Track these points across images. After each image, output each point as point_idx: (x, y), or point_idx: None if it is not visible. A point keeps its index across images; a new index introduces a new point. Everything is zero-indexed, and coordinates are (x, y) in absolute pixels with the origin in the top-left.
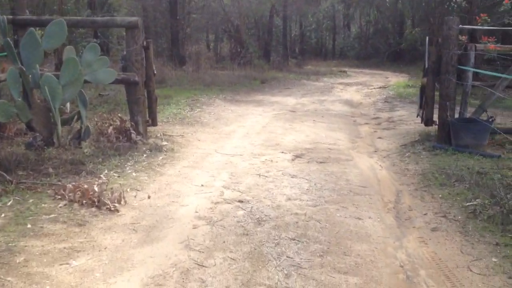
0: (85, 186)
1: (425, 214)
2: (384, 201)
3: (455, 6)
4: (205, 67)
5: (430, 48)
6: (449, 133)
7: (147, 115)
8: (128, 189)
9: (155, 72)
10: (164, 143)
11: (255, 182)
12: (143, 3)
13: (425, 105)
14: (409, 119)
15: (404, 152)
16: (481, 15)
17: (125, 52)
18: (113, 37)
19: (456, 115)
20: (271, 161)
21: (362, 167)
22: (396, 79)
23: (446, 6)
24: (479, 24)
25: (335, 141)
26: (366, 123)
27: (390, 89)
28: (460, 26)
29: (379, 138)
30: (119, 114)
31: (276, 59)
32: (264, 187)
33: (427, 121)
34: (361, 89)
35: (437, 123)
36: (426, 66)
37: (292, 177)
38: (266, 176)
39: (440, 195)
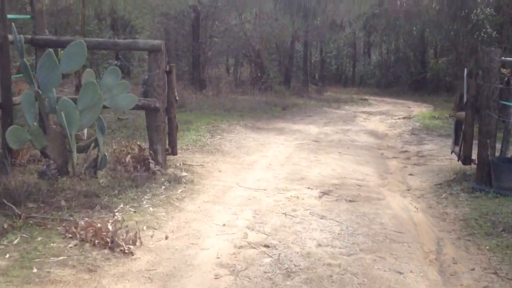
0: (99, 225)
1: (472, 269)
2: (425, 251)
3: (485, 36)
4: (225, 91)
5: (469, 80)
6: (489, 173)
7: (167, 143)
8: (145, 227)
9: (177, 98)
10: (184, 173)
11: (281, 223)
12: (166, 26)
13: (462, 142)
14: (440, 155)
15: (440, 193)
16: None
17: (146, 77)
18: (134, 59)
19: (497, 154)
20: (297, 197)
21: (395, 208)
22: (419, 109)
23: (475, 36)
24: None
25: (363, 176)
26: (395, 157)
27: (415, 120)
28: (503, 58)
29: (411, 174)
30: (138, 142)
31: (296, 85)
32: (291, 229)
33: (465, 160)
34: (385, 119)
35: (476, 162)
36: (465, 100)
37: (321, 218)
38: (293, 216)
39: (487, 247)
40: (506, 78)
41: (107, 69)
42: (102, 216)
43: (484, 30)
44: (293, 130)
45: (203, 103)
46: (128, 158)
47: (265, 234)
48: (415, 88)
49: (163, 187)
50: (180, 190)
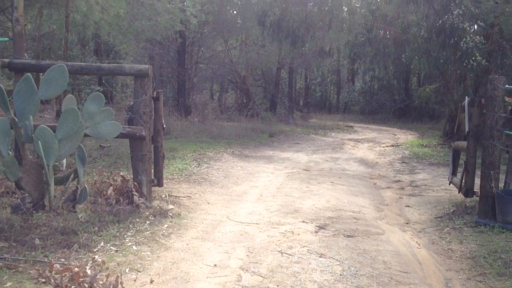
0: (76, 268)
1: None
2: None
3: (474, 64)
4: (211, 117)
5: (471, 109)
6: (493, 206)
7: (152, 173)
8: (127, 270)
9: (164, 125)
10: (170, 206)
11: (277, 263)
12: (151, 51)
13: (464, 173)
14: (435, 185)
15: (442, 227)
16: None
17: (132, 103)
18: (117, 84)
19: (500, 186)
20: (292, 233)
21: (396, 244)
22: (404, 137)
23: (464, 64)
24: None
25: (359, 208)
26: (388, 187)
27: (404, 148)
28: (507, 86)
29: (407, 206)
30: (121, 172)
31: (282, 112)
32: (289, 270)
33: (467, 192)
34: (373, 146)
35: (479, 194)
36: (467, 129)
37: (320, 257)
38: (290, 254)
39: None
40: (510, 107)
41: (89, 95)
42: (80, 256)
43: (473, 58)
44: (282, 158)
45: (189, 130)
46: (110, 190)
47: (261, 276)
48: (399, 115)
49: (147, 221)
50: (166, 225)
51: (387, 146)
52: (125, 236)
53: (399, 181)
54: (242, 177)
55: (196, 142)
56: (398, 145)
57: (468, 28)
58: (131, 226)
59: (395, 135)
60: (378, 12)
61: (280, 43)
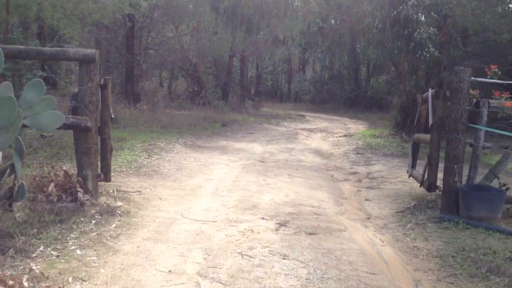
0: (10, 281)
1: None
2: None
3: (428, 55)
4: (161, 105)
5: (436, 102)
6: (456, 201)
7: (99, 168)
8: (70, 279)
9: (112, 115)
10: (119, 203)
11: (238, 267)
12: (97, 36)
13: (427, 167)
14: (391, 177)
15: (405, 223)
16: (491, 66)
17: (76, 90)
18: (61, 69)
19: (463, 181)
20: (252, 231)
21: (360, 242)
22: (355, 126)
23: (417, 55)
24: (488, 76)
25: (319, 202)
26: (346, 179)
27: (357, 138)
28: (472, 78)
29: (367, 200)
30: (64, 166)
31: (234, 100)
32: (251, 275)
33: (430, 186)
34: (326, 136)
35: (441, 189)
36: (430, 122)
37: (283, 258)
38: (251, 257)
39: None
40: (474, 100)
41: (28, 82)
42: (16, 264)
43: (426, 49)
44: (236, 149)
45: (138, 119)
46: (51, 187)
47: (221, 283)
48: (348, 105)
49: (93, 221)
50: (114, 225)
51: (340, 136)
52: (68, 238)
53: (355, 172)
54: (195, 169)
55: (146, 131)
56: (350, 135)
57: (422, 19)
58: (74, 226)
59: (346, 124)
60: (333, 1)
61: (235, 30)
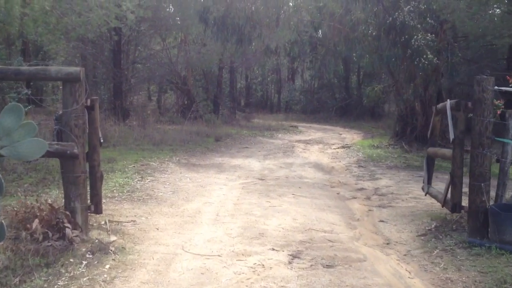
0: None
1: None
2: None
3: (426, 62)
4: (151, 121)
5: (457, 114)
6: (484, 223)
7: (89, 198)
8: None
9: (101, 140)
10: (112, 238)
11: None
12: (83, 51)
13: (450, 186)
14: (402, 192)
15: (430, 249)
16: None
17: (60, 112)
18: (47, 86)
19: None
20: (263, 266)
21: (385, 274)
22: (350, 136)
23: (415, 63)
24: (510, 85)
25: (330, 226)
26: (353, 197)
27: (355, 149)
28: (496, 87)
29: (381, 221)
30: (49, 200)
31: (225, 113)
32: None
33: (455, 207)
34: (323, 148)
35: (467, 209)
36: (452, 137)
37: None
38: None
39: None
40: (499, 111)
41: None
42: None
43: (424, 56)
44: (233, 166)
45: (128, 136)
46: (35, 223)
47: None
48: (340, 114)
49: (84, 262)
50: (108, 266)
51: (338, 148)
52: (56, 287)
53: (362, 189)
54: (192, 191)
55: (137, 150)
56: (348, 146)
57: (419, 26)
58: (63, 270)
59: (341, 134)
60: (325, 9)
61: (225, 41)
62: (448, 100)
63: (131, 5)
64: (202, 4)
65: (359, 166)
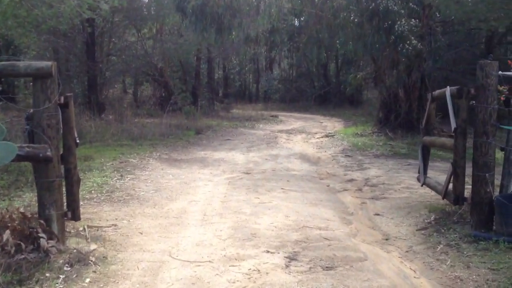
0: None
1: None
2: None
3: (410, 48)
4: (128, 114)
5: (459, 102)
6: (489, 215)
7: (65, 204)
8: None
9: (77, 140)
10: (92, 246)
11: None
12: (55, 44)
13: (452, 177)
14: (393, 182)
15: (434, 244)
16: None
17: (31, 111)
18: (19, 81)
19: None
20: (259, 271)
21: (389, 275)
22: (331, 124)
23: (399, 49)
24: None
25: (325, 222)
26: (344, 189)
27: (340, 138)
28: (500, 72)
29: (377, 215)
30: (22, 207)
31: (204, 104)
32: None
33: (457, 199)
34: (306, 138)
35: (470, 201)
36: (453, 126)
37: None
38: None
39: None
40: (504, 97)
41: None
42: None
43: (408, 42)
44: (216, 159)
45: (105, 132)
46: (7, 234)
47: None
48: (319, 102)
49: (61, 276)
50: (88, 279)
51: (321, 137)
52: None
53: (352, 180)
54: (176, 189)
55: (115, 146)
56: (332, 135)
57: (402, 11)
58: (38, 287)
59: (322, 123)
60: None
61: (204, 31)
62: (448, 87)
63: None
64: None
65: (345, 155)
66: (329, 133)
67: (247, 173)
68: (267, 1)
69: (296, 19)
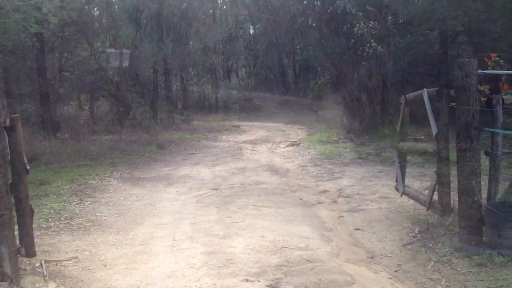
0: None
1: None
2: None
3: (370, 51)
4: (84, 131)
5: (439, 104)
6: (478, 225)
7: (17, 239)
8: None
9: (27, 166)
10: (50, 285)
11: None
12: (3, 62)
13: (437, 186)
14: (367, 192)
15: (423, 261)
16: (492, 55)
17: None
18: None
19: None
20: None
21: None
22: (294, 132)
23: (360, 52)
24: (489, 67)
25: (304, 241)
26: (318, 202)
27: (305, 146)
28: (479, 71)
29: (357, 229)
30: None
31: (163, 117)
32: None
33: (444, 210)
34: (272, 148)
35: (457, 211)
36: (434, 131)
37: None
38: None
39: None
40: (485, 98)
41: None
42: None
43: (368, 45)
44: (181, 176)
45: (61, 152)
46: None
47: None
48: (279, 109)
49: None
50: None
51: (287, 146)
52: None
53: (325, 191)
54: (141, 211)
55: (72, 167)
56: (297, 144)
57: (360, 13)
58: None
59: (284, 130)
60: (261, 2)
61: (160, 42)
62: (425, 89)
63: (52, 7)
64: (131, 3)
65: (314, 165)
66: (294, 141)
67: (215, 189)
68: (223, 9)
69: (252, 27)
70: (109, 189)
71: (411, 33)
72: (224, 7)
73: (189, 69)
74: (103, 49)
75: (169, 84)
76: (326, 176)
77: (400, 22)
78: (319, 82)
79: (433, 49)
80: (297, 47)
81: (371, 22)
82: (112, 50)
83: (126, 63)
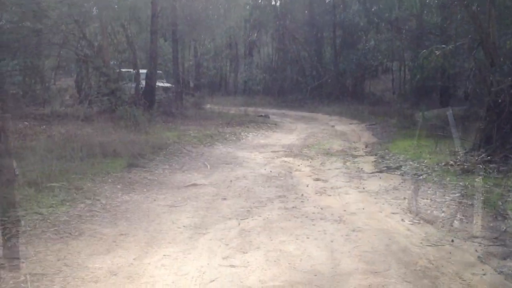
0: None
1: None
2: None
3: None
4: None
5: None
6: None
7: None
8: None
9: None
10: None
11: None
12: None
13: None
14: None
15: None
16: None
17: None
18: None
19: None
20: None
21: None
22: (349, 129)
23: None
24: None
25: None
26: None
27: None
28: None
29: None
30: None
31: (163, 101)
32: None
33: None
34: (348, 170)
35: None
36: None
37: None
38: None
39: None
40: None
41: None
42: None
43: None
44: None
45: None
46: None
47: None
48: (313, 95)
49: None
50: None
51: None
52: None
53: None
54: None
55: None
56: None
57: None
58: None
59: (333, 126)
60: None
61: None
62: None
63: None
64: None
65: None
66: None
67: None
68: None
69: None
70: None
71: None
72: None
73: (205, 43)
74: None
75: (177, 55)
76: None
77: None
78: (438, 52)
79: None
80: None
81: None
82: None
83: None
